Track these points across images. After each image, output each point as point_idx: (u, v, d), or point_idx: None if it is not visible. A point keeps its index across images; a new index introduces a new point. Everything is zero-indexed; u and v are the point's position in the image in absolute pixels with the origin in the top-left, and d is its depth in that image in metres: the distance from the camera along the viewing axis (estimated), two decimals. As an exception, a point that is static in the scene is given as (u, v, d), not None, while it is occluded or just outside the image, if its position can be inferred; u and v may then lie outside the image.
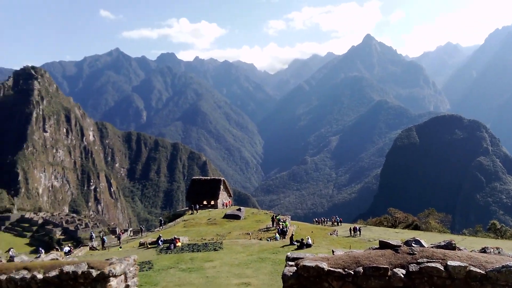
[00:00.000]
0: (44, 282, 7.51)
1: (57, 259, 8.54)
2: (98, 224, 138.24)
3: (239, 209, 57.97)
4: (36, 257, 8.54)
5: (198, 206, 64.18)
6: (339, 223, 73.33)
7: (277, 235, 39.58)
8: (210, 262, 27.48)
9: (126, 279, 8.29)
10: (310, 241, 34.49)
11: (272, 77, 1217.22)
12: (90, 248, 42.64)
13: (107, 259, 8.38)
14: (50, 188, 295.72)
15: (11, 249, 51.56)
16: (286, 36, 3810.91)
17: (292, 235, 35.42)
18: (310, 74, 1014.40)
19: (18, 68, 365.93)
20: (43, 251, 44.24)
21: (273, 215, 54.51)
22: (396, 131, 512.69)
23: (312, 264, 8.64)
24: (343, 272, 8.53)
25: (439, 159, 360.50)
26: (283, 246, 33.38)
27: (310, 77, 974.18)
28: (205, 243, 33.96)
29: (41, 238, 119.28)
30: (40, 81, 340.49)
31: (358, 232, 56.12)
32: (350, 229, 58.06)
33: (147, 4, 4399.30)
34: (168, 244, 32.91)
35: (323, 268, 8.51)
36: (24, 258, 8.63)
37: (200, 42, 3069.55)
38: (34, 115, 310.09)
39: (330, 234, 52.40)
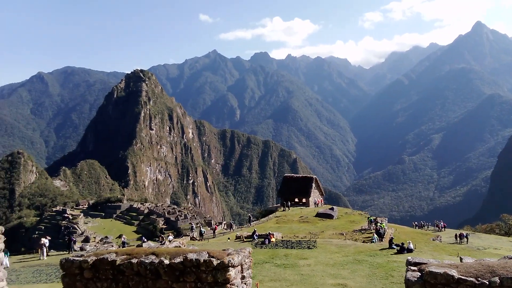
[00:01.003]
0: (170, 267, 8.00)
1: (179, 246, 9.07)
2: (195, 216, 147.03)
3: (331, 208, 56.51)
4: (161, 244, 9.12)
5: (289, 203, 64.25)
6: (443, 228, 67.59)
7: (375, 236, 37.65)
8: (304, 260, 27.15)
9: (242, 270, 8.44)
10: (411, 245, 32.10)
11: (367, 72, 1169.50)
12: (191, 238, 45.40)
13: (224, 250, 8.53)
14: (155, 181, 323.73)
15: (123, 236, 57.54)
16: (383, 29, 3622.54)
17: (392, 238, 33.25)
18: (410, 67, 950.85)
19: (129, 72, 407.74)
20: (145, 239, 48.44)
21: (369, 217, 52.03)
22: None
23: (440, 270, 7.72)
24: (476, 282, 7.43)
25: None
26: (381, 249, 31.67)
27: (410, 70, 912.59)
28: (299, 241, 33.65)
29: (146, 227, 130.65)
30: (147, 83, 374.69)
31: (465, 239, 51.32)
32: (456, 235, 53.36)
33: (243, 6, 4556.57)
34: (263, 239, 33.35)
35: (452, 276, 7.54)
36: (151, 244, 9.31)
37: (292, 40, 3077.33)
38: (142, 114, 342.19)
39: (433, 240, 48.45)
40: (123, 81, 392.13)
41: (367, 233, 42.59)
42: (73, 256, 8.35)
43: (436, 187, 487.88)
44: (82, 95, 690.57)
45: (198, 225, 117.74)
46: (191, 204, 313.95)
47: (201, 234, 48.66)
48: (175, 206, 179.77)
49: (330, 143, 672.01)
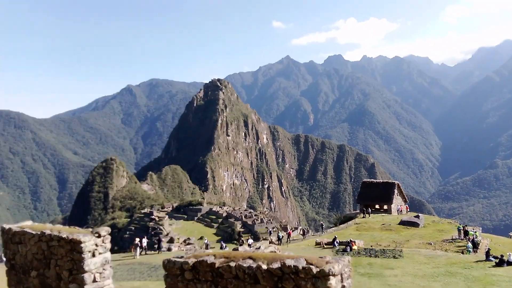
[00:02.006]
0: (268, 272, 8.05)
1: (275, 251, 9.09)
2: (271, 220, 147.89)
3: (417, 216, 53.04)
4: (256, 248, 9.21)
5: (370, 210, 61.69)
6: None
7: (469, 245, 34.56)
8: (390, 269, 25.85)
9: (342, 279, 8.17)
10: (512, 258, 28.83)
11: (451, 70, 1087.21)
12: (270, 242, 45.79)
13: (321, 257, 8.38)
14: (232, 186, 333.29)
15: (205, 238, 59.93)
16: (469, 22, 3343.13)
17: (489, 249, 30.24)
18: (501, 63, 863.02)
19: (207, 81, 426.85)
20: (223, 243, 49.90)
21: (460, 226, 47.87)
22: None
23: None
24: None
25: None
26: (476, 261, 28.99)
27: (502, 66, 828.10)
28: (383, 249, 32.08)
29: (225, 230, 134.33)
30: (224, 92, 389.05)
31: None
32: None
33: (315, 9, 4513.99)
34: (344, 246, 32.40)
35: None
36: (247, 248, 9.47)
37: (368, 40, 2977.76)
38: (219, 121, 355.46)
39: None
40: (202, 90, 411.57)
41: (459, 243, 39.22)
42: (174, 258, 8.78)
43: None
44: (166, 105, 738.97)
45: (275, 229, 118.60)
46: (266, 208, 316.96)
47: (279, 239, 48.78)
48: (252, 210, 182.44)
49: (411, 146, 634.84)
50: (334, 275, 7.88)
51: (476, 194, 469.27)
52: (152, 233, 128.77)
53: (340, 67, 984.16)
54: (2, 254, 32.87)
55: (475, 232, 43.87)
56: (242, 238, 58.73)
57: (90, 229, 11.20)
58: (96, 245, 10.36)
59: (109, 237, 11.04)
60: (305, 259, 8.03)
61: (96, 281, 10.71)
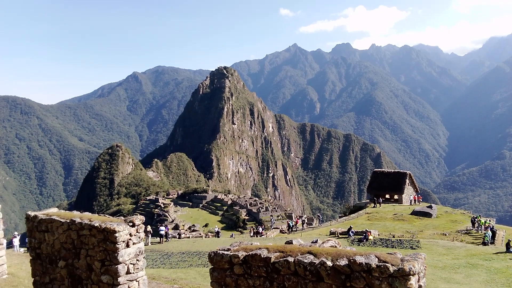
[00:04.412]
0: (334, 269, 7.27)
1: (335, 246, 8.26)
2: (276, 208, 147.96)
3: (429, 206, 52.42)
4: (313, 242, 8.41)
5: (381, 200, 61.18)
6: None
7: (489, 232, 34.06)
8: (409, 261, 25.26)
9: (418, 279, 7.31)
10: (533, 250, 28.25)
11: (461, 60, 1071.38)
12: (280, 231, 45.50)
13: (390, 253, 7.48)
14: (237, 174, 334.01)
15: (216, 226, 59.82)
16: (480, 11, 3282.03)
17: (509, 241, 29.66)
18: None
19: (213, 69, 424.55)
20: (234, 235, 49.63)
21: (473, 216, 47.27)
22: None
23: None
24: None
25: None
26: (496, 253, 28.48)
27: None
28: (400, 240, 31.57)
29: (230, 217, 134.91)
30: (230, 79, 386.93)
31: None
32: None
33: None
34: (360, 236, 31.90)
35: None
36: (301, 242, 8.63)
37: (377, 29, 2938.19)
38: (225, 109, 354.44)
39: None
40: (208, 78, 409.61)
41: (474, 235, 38.73)
42: (220, 250, 8.18)
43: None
44: (171, 92, 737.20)
45: (279, 217, 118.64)
46: (271, 196, 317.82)
47: (290, 227, 48.46)
48: (256, 198, 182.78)
49: (418, 136, 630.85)
50: (414, 274, 7.05)
51: (482, 184, 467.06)
52: (158, 219, 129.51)
53: (348, 55, 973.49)
54: (15, 241, 32.70)
55: (490, 221, 43.33)
56: (251, 227, 58.53)
57: (123, 218, 10.68)
58: (130, 234, 9.83)
59: (143, 227, 10.48)
60: (377, 256, 7.21)
61: (130, 273, 10.20)
